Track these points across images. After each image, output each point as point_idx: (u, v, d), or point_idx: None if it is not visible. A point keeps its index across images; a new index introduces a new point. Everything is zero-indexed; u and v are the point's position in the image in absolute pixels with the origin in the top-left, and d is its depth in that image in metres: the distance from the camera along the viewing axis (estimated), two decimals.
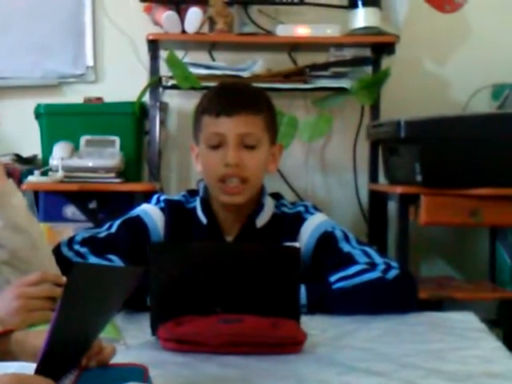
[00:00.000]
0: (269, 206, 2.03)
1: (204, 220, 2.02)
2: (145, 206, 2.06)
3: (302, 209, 2.05)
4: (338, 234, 1.99)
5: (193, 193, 2.09)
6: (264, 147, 1.99)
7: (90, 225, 2.94)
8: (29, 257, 1.69)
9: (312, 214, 2.03)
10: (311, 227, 2.00)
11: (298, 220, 2.02)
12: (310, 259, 1.97)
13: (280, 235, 1.98)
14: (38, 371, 1.06)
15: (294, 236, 1.99)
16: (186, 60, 3.30)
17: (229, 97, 1.98)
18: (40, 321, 1.50)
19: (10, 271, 1.67)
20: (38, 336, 1.22)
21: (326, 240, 1.98)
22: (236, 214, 2.01)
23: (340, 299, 1.85)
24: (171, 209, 2.04)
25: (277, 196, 2.09)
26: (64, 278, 1.53)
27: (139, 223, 2.02)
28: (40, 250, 1.73)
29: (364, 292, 1.86)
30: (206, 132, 1.98)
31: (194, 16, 3.16)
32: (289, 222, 2.02)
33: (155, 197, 2.08)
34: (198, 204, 2.04)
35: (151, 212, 2.04)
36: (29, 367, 1.09)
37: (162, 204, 2.05)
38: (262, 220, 2.01)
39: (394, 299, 1.87)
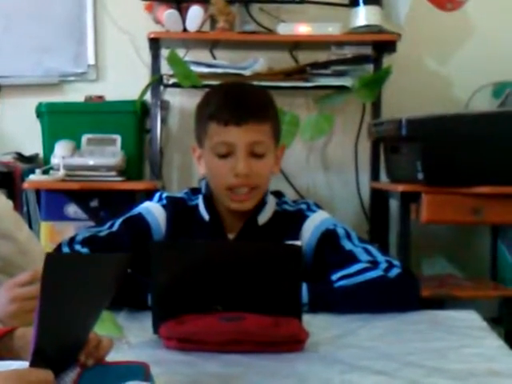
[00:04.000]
0: (270, 203, 2.03)
1: (206, 217, 2.02)
2: (147, 204, 2.06)
3: (303, 206, 2.04)
4: (340, 231, 1.98)
5: (195, 191, 2.08)
6: (271, 153, 1.98)
7: (92, 223, 2.93)
8: (19, 262, 1.69)
9: (314, 211, 2.03)
10: (313, 225, 2.00)
11: (300, 217, 2.02)
12: (312, 257, 1.97)
13: (282, 233, 1.97)
14: (32, 364, 1.07)
15: (296, 233, 1.99)
16: (187, 58, 3.30)
17: (237, 104, 1.94)
18: None
19: (4, 278, 1.66)
20: None
21: (328, 238, 1.98)
22: (238, 212, 2.01)
23: (342, 298, 1.85)
24: (173, 206, 2.04)
25: (278, 194, 2.09)
26: None
27: (141, 221, 2.02)
28: (30, 252, 1.72)
29: (366, 291, 1.86)
30: (213, 140, 1.95)
31: (195, 14, 3.16)
32: (290, 220, 2.02)
33: (157, 194, 2.08)
34: (200, 201, 2.04)
35: (153, 209, 2.04)
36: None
37: (164, 201, 2.05)
38: (263, 217, 2.01)
39: (396, 298, 1.86)
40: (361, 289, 1.86)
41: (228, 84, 2.24)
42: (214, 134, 1.95)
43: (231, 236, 2.01)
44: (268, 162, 1.97)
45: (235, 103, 1.95)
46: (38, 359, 1.07)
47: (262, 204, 2.01)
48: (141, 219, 2.02)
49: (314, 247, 1.98)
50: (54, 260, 1.07)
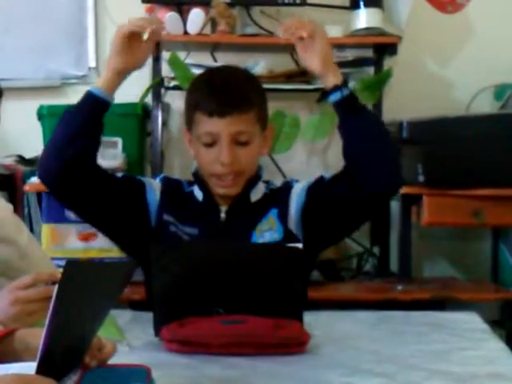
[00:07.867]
0: (261, 186, 2.09)
1: (200, 197, 2.05)
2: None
3: (289, 180, 2.13)
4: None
5: (192, 183, 2.12)
6: (257, 138, 2.03)
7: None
8: (20, 265, 1.69)
9: (299, 181, 2.10)
10: (299, 188, 2.06)
11: (287, 188, 2.07)
12: (301, 216, 2.01)
13: (271, 203, 2.03)
14: (38, 371, 1.07)
15: (285, 202, 2.04)
16: (188, 61, 3.29)
17: (221, 95, 1.99)
18: (41, 321, 1.49)
19: (4, 281, 1.66)
20: (40, 334, 1.22)
21: (315, 181, 2.05)
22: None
23: (368, 116, 2.04)
24: (169, 183, 2.11)
25: (266, 182, 2.14)
26: (59, 274, 1.52)
27: (136, 179, 2.12)
28: (30, 256, 1.72)
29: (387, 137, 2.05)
30: (199, 130, 2.01)
31: (196, 17, 3.16)
32: (279, 192, 2.07)
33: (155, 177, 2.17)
34: (195, 186, 2.08)
35: (150, 179, 2.15)
36: (30, 367, 1.09)
37: (161, 179, 2.14)
38: (256, 194, 2.05)
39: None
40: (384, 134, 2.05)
41: (214, 71, 2.23)
42: (199, 123, 2.01)
43: (224, 208, 2.03)
44: (253, 148, 2.02)
45: (219, 94, 1.99)
46: (45, 366, 1.07)
47: (256, 178, 2.06)
48: (137, 179, 2.12)
49: (304, 201, 2.02)
50: (73, 267, 1.07)
